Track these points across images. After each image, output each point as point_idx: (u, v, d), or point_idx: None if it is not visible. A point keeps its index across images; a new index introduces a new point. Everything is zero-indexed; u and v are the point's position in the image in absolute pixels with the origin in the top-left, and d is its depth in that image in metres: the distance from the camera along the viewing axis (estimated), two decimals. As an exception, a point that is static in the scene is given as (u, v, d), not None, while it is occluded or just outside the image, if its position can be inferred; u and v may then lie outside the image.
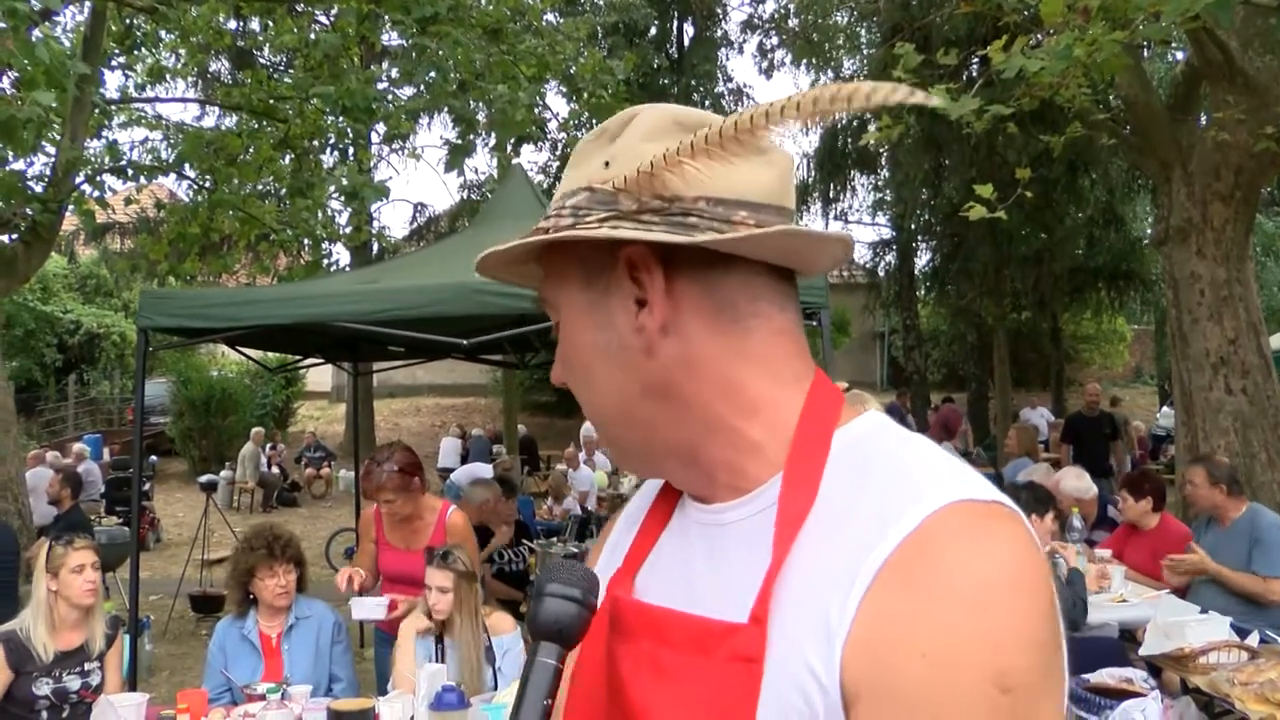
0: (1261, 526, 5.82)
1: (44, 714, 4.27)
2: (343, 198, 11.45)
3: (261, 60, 18.45)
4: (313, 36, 11.06)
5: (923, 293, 27.12)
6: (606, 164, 1.01)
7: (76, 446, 16.44)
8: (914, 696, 0.82)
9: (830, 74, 25.80)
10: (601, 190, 1.00)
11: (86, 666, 4.40)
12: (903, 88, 0.92)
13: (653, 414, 1.02)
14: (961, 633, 0.82)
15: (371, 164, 19.16)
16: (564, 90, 13.33)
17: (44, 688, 4.27)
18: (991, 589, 0.83)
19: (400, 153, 21.05)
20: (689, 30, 27.36)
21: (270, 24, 12.75)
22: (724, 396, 1.00)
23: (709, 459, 1.02)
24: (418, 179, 66.99)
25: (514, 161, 15.47)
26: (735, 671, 0.91)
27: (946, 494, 0.87)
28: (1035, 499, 5.78)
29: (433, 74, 10.90)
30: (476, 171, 25.08)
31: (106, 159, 10.76)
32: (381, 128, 13.96)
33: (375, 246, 19.04)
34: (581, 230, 0.99)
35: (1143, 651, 4.93)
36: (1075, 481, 7.38)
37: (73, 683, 4.34)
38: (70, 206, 9.98)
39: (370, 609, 4.90)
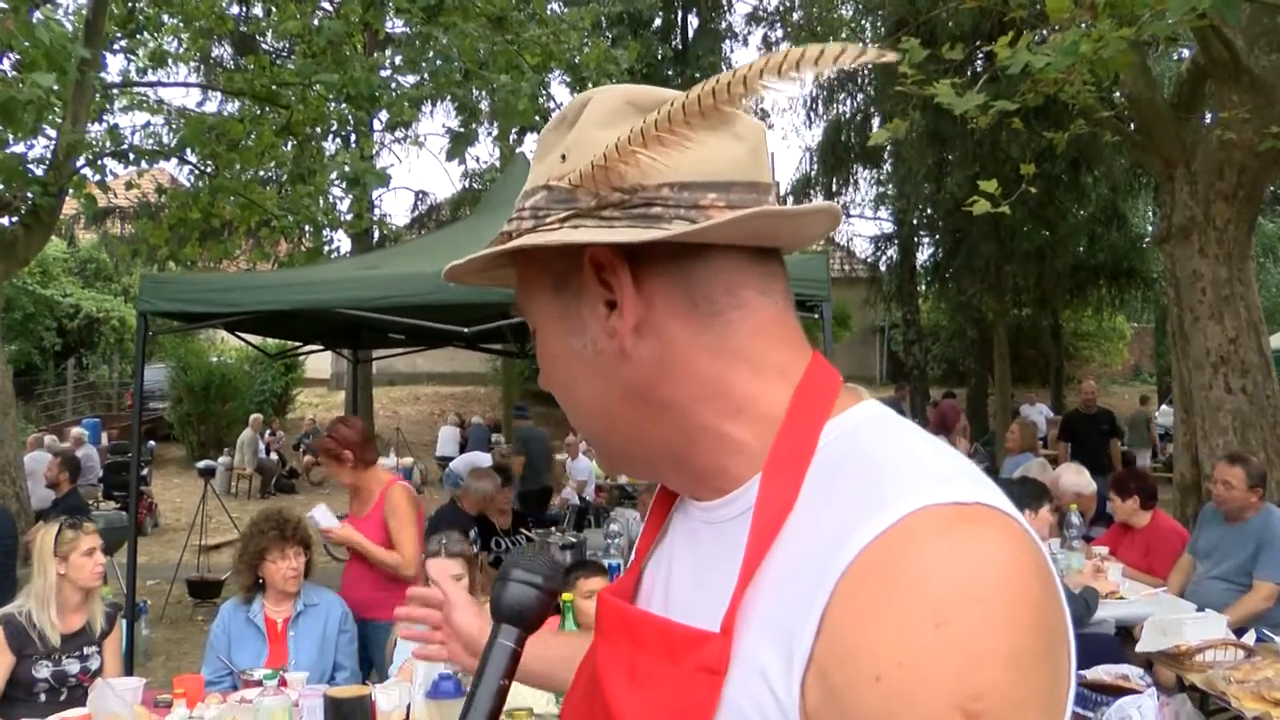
0: (1271, 528, 5.75)
1: (42, 697, 4.27)
2: (344, 184, 11.43)
3: (264, 46, 18.40)
4: (316, 23, 11.03)
5: (924, 287, 27.12)
6: (563, 157, 0.95)
7: (75, 431, 16.45)
8: None
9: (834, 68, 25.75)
10: (558, 188, 0.95)
11: (86, 650, 4.41)
12: (871, 49, 0.86)
13: (635, 419, 0.96)
14: (919, 652, 0.73)
15: (374, 151, 19.15)
16: (568, 80, 13.30)
17: (43, 670, 4.28)
18: (955, 600, 0.74)
19: (403, 141, 21.04)
20: (693, 21, 27.35)
21: (274, 9, 12.72)
22: (706, 397, 0.94)
23: (695, 461, 0.96)
24: (419, 167, 67.00)
25: (517, 151, 15.45)
26: (698, 682, 0.86)
27: (919, 497, 0.79)
28: (1029, 494, 5.79)
29: (438, 63, 10.89)
30: (479, 160, 25.06)
31: (108, 143, 10.75)
32: (384, 115, 13.95)
33: (376, 234, 19.02)
34: (540, 235, 0.93)
35: (1139, 648, 4.93)
36: (1074, 477, 7.38)
37: (72, 666, 4.35)
38: (71, 190, 9.97)
39: (325, 517, 5.33)
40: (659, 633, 0.93)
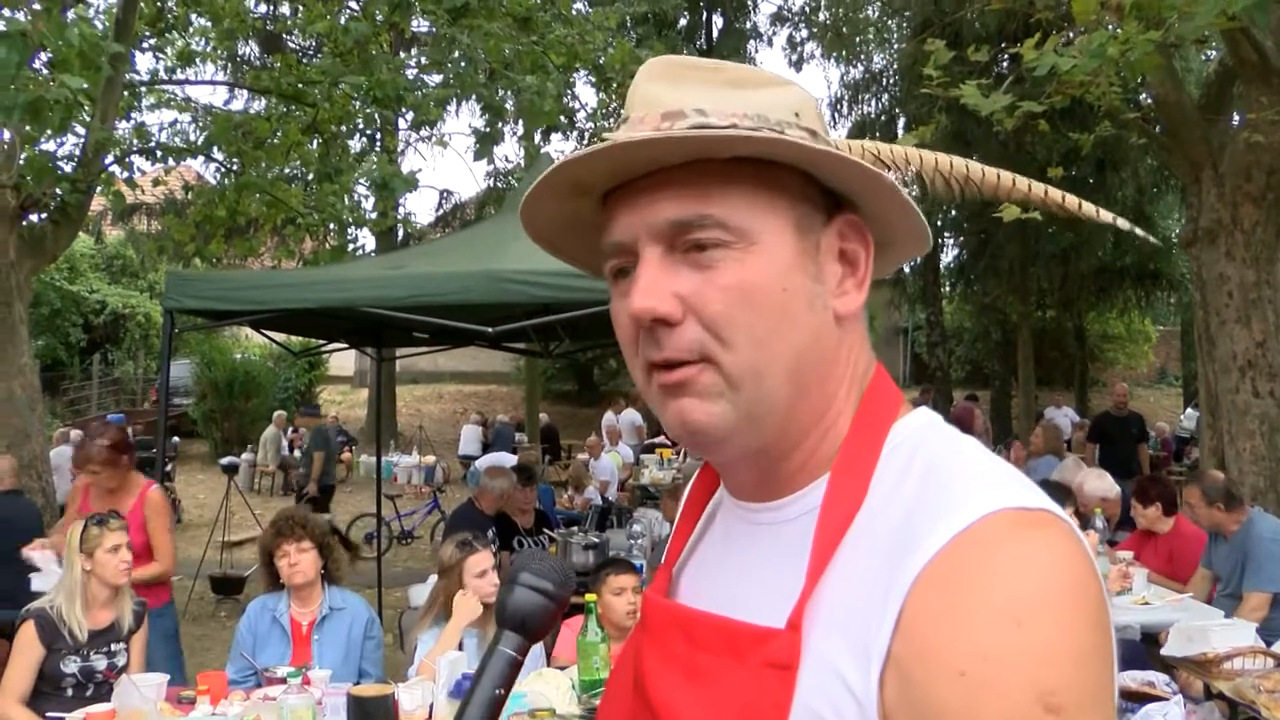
0: (1253, 538, 5.82)
1: (69, 692, 4.30)
2: (372, 189, 11.47)
3: (291, 45, 18.49)
4: (343, 22, 11.06)
5: (948, 289, 27.04)
6: (798, 115, 0.96)
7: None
8: (955, 717, 0.78)
9: (860, 68, 25.71)
10: (823, 139, 0.96)
11: (114, 647, 4.44)
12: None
13: (810, 382, 0.95)
14: (1002, 649, 0.77)
15: (399, 150, 19.20)
16: (593, 80, 13.31)
17: (71, 665, 4.31)
18: (1032, 601, 0.79)
19: (428, 140, 21.10)
20: (718, 22, 27.32)
21: (300, 8, 12.78)
22: (849, 386, 0.99)
23: (808, 446, 0.97)
24: (444, 165, 67.01)
25: (542, 150, 15.46)
26: (768, 678, 0.88)
27: (987, 503, 0.83)
28: (1053, 497, 5.76)
29: (463, 64, 10.91)
30: (506, 159, 25.12)
31: (135, 140, 10.81)
32: (409, 114, 13.97)
33: (401, 232, 19.09)
34: (880, 175, 0.95)
35: (1165, 651, 4.92)
36: (1097, 483, 7.37)
37: (99, 662, 4.38)
38: (99, 187, 10.03)
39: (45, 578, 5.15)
40: (719, 630, 0.94)
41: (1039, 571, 0.80)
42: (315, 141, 12.19)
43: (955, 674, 0.78)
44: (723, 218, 0.91)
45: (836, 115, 26.62)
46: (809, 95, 0.99)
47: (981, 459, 0.91)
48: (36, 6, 6.66)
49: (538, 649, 4.70)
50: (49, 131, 8.20)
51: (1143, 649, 5.33)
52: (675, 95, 0.94)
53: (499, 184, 24.96)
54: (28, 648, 4.29)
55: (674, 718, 0.93)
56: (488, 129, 13.06)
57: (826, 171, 0.95)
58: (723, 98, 0.94)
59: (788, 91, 0.97)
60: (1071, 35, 7.69)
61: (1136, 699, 4.29)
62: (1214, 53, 12.49)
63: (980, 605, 0.79)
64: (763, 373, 0.92)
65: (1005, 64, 14.16)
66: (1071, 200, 1.03)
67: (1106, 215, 1.04)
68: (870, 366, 1.02)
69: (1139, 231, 1.08)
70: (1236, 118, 9.62)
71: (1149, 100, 9.92)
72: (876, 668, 0.82)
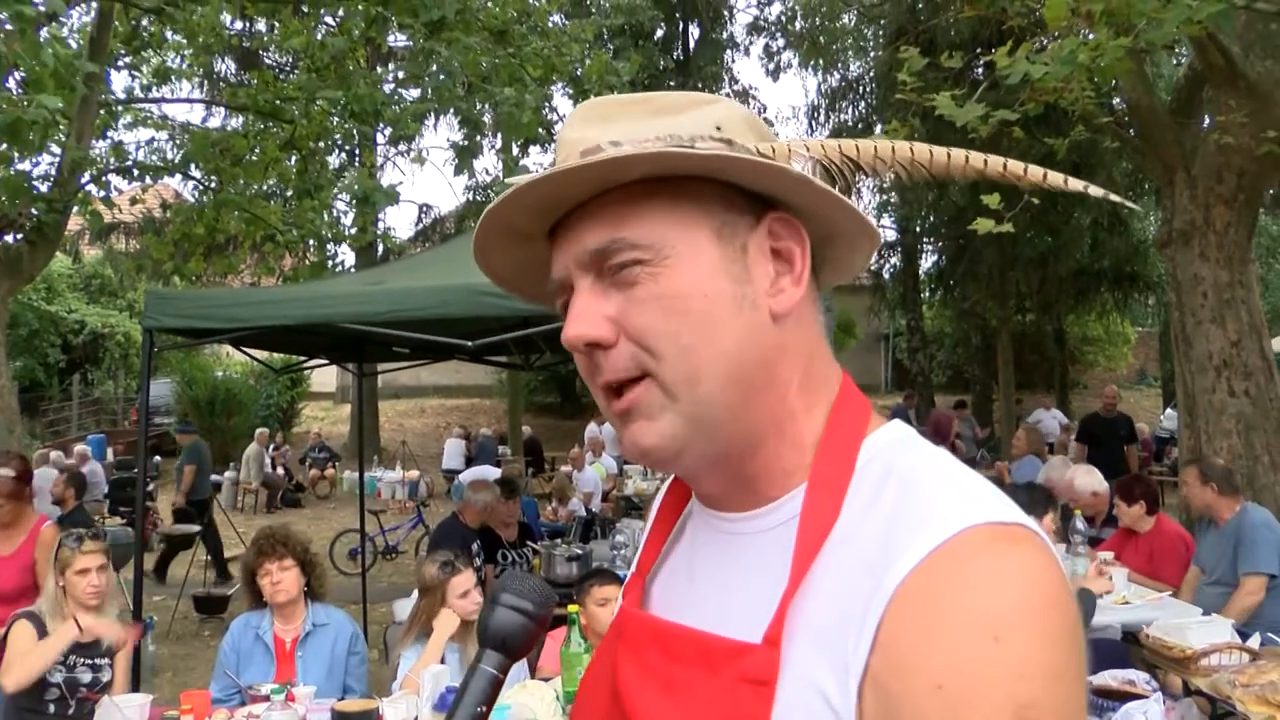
0: (1246, 525, 5.93)
1: (51, 708, 4.29)
2: (352, 202, 11.47)
3: (267, 61, 18.48)
4: (319, 38, 11.07)
5: (927, 295, 27.14)
6: (719, 128, 0.96)
7: (79, 448, 16.48)
8: None
9: (836, 76, 25.81)
10: (744, 146, 0.95)
11: (98, 661, 4.42)
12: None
13: (750, 386, 0.95)
14: (979, 663, 0.78)
15: (377, 165, 19.18)
16: (570, 92, 13.34)
17: (56, 675, 4.30)
18: (1009, 616, 0.79)
19: (406, 155, 21.08)
20: (695, 32, 27.42)
21: (277, 25, 12.78)
22: (801, 388, 0.98)
23: (767, 453, 0.98)
24: (423, 180, 67.01)
25: (520, 163, 15.46)
26: (744, 693, 0.88)
27: (963, 518, 0.84)
28: (1035, 500, 5.82)
29: (440, 77, 10.92)
30: (486, 172, 25.11)
31: (112, 159, 10.78)
32: (387, 129, 13.98)
33: (380, 247, 19.06)
34: (785, 167, 0.94)
35: (1148, 631, 4.97)
36: (1087, 478, 7.41)
37: (84, 675, 4.36)
38: (76, 206, 10.01)
39: None
40: (694, 644, 0.95)
41: (1015, 586, 0.81)
42: (293, 158, 12.17)
43: (933, 688, 0.78)
44: (635, 238, 0.94)
45: (814, 123, 26.73)
46: (740, 111, 1.00)
47: (956, 473, 0.91)
48: (9, 27, 6.65)
49: (521, 661, 4.71)
50: (25, 152, 8.17)
51: (1123, 648, 5.36)
52: (597, 133, 0.96)
53: (478, 198, 24.95)
54: (24, 636, 4.29)
55: None
56: (466, 143, 13.06)
57: (737, 175, 0.96)
58: (643, 126, 0.96)
59: (714, 109, 0.99)
60: (1044, 41, 7.76)
61: (1117, 697, 4.32)
62: (1184, 57, 12.59)
63: (957, 620, 0.80)
64: (697, 377, 0.93)
65: (979, 70, 14.27)
66: (1035, 171, 1.02)
67: (1076, 184, 1.02)
68: (835, 375, 1.02)
69: (1114, 197, 1.07)
70: (1207, 120, 9.71)
71: (1122, 105, 10.00)
72: (855, 682, 0.83)
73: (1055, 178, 1.01)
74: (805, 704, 0.85)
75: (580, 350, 0.97)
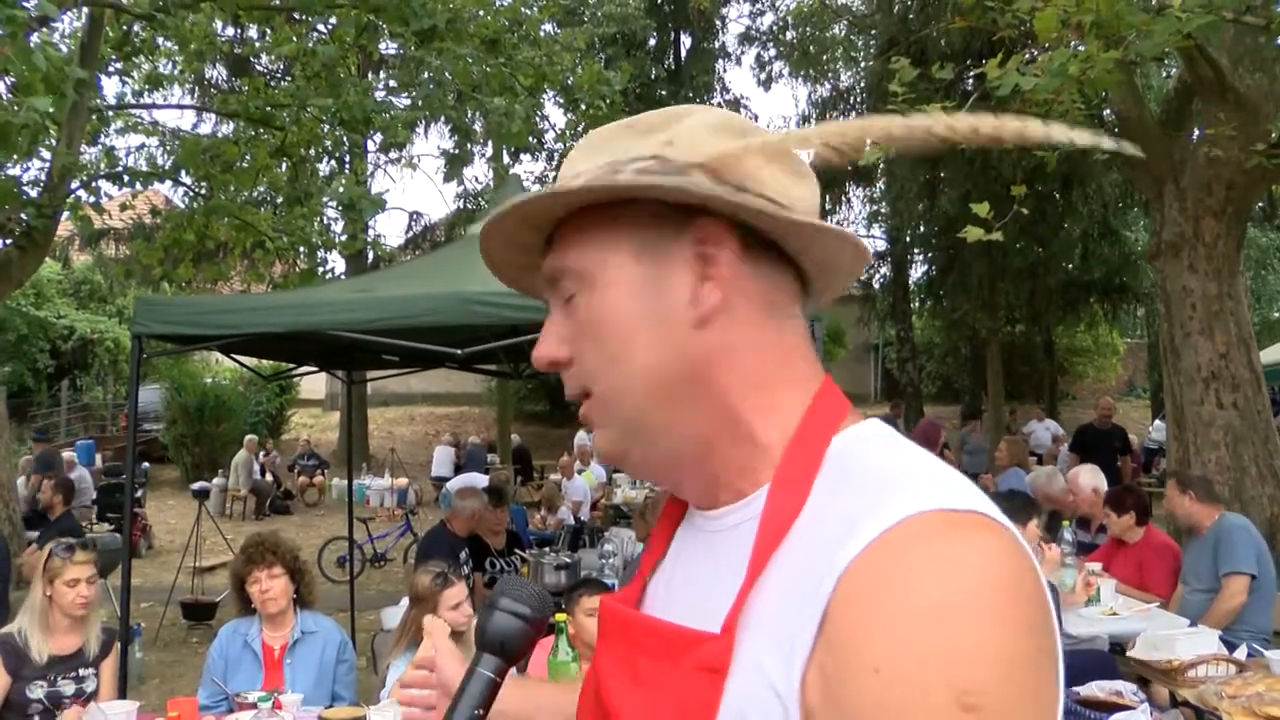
0: (1224, 529, 6.02)
1: (35, 719, 4.27)
2: (340, 209, 11.47)
3: (258, 68, 18.46)
4: (311, 45, 11.07)
5: (917, 305, 27.18)
6: (669, 144, 0.99)
7: (65, 455, 16.41)
8: (869, 716, 0.78)
9: (827, 86, 25.87)
10: (674, 161, 0.98)
11: (81, 672, 4.40)
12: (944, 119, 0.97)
13: (682, 396, 0.98)
14: (918, 646, 0.77)
15: (368, 173, 19.16)
16: (561, 101, 13.35)
17: (37, 691, 4.27)
18: (952, 600, 0.78)
19: (397, 163, 21.08)
20: (686, 42, 27.45)
21: (268, 32, 12.77)
22: (750, 390, 0.98)
23: (720, 455, 0.99)
24: (414, 187, 67.00)
25: (511, 171, 15.47)
26: (700, 681, 0.90)
27: (916, 502, 0.83)
28: (1016, 507, 5.84)
29: (431, 86, 10.92)
30: (477, 180, 25.13)
31: (103, 165, 10.77)
32: (378, 136, 13.97)
33: (371, 255, 19.06)
34: (679, 182, 0.95)
35: (1132, 652, 4.98)
36: (1089, 477, 7.42)
37: (67, 688, 4.34)
38: (66, 212, 9.99)
39: None
40: (658, 634, 0.97)
41: (963, 570, 0.79)
42: (284, 165, 12.17)
43: (870, 671, 0.78)
44: (571, 265, 1.02)
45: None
46: (710, 119, 1.03)
47: (920, 463, 0.91)
48: (0, 31, 6.64)
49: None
50: (14, 156, 8.16)
51: (1111, 659, 5.37)
52: (582, 162, 1.03)
53: (468, 205, 24.94)
54: None
55: (621, 718, 0.96)
56: (457, 150, 13.07)
57: (655, 194, 0.98)
58: (600, 155, 1.02)
59: (682, 123, 1.02)
60: (1035, 53, 7.79)
61: (1104, 708, 4.32)
62: (1174, 70, 12.66)
63: (899, 602, 0.79)
64: (622, 392, 1.00)
65: (970, 82, 14.32)
66: (987, 124, 0.97)
67: (1060, 133, 0.96)
68: (811, 375, 1.02)
69: (1106, 143, 1.05)
70: (1196, 133, 9.75)
71: (1112, 116, 10.03)
72: (799, 665, 0.83)
73: (1035, 130, 0.97)
74: (751, 689, 0.86)
75: (542, 369, 1.06)
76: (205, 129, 17.01)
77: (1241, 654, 4.84)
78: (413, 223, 27.26)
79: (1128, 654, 5.05)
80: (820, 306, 1.13)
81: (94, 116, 10.79)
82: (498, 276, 1.14)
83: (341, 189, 11.02)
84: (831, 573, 0.83)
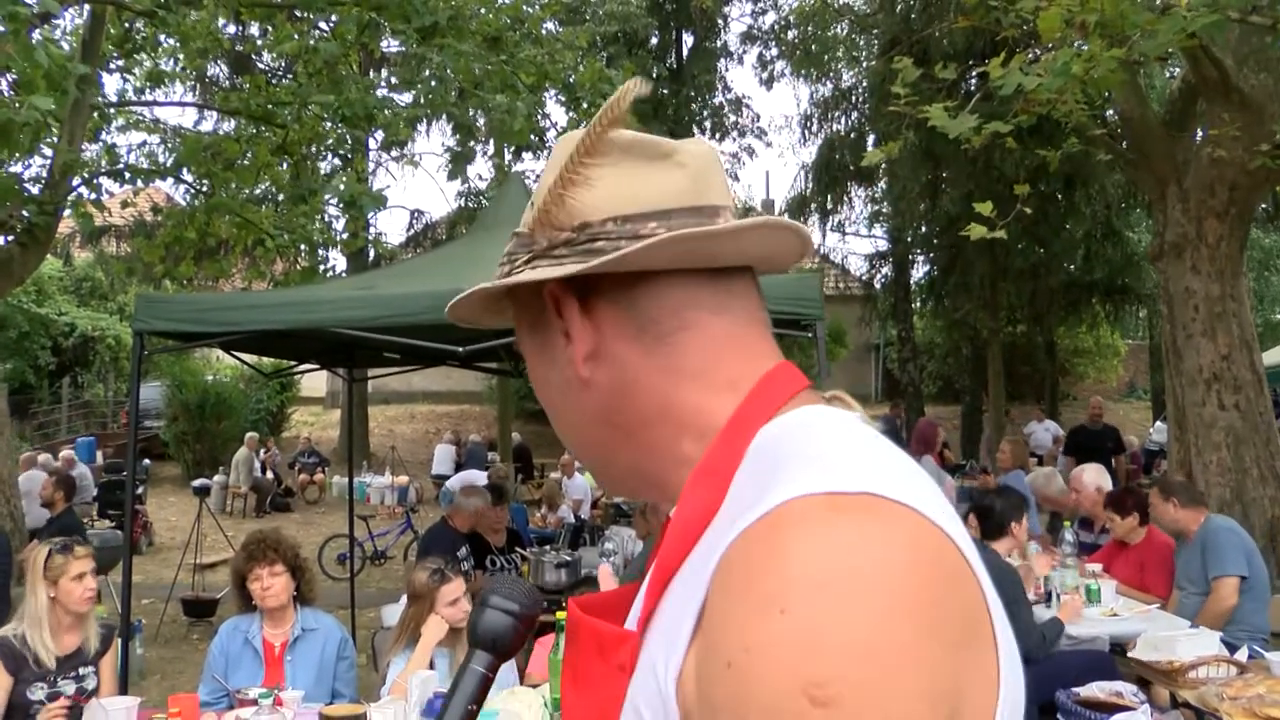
0: (1210, 532, 6.04)
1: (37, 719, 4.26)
2: (341, 207, 11.46)
3: (260, 65, 18.46)
4: (312, 43, 11.06)
5: (918, 305, 27.15)
6: (531, 204, 1.03)
7: (64, 453, 16.42)
8: (723, 711, 0.74)
9: (829, 86, 25.86)
10: (522, 233, 1.03)
11: (82, 671, 4.40)
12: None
13: (605, 441, 1.03)
14: (762, 637, 0.72)
15: (369, 170, 19.15)
16: (563, 99, 13.34)
17: (38, 693, 4.26)
18: (801, 586, 0.72)
19: (398, 160, 21.08)
20: (688, 40, 27.40)
21: (270, 29, 12.77)
22: (659, 418, 0.98)
23: (656, 478, 1.01)
24: (415, 186, 67.00)
25: (512, 170, 15.46)
26: (614, 678, 0.90)
27: (802, 487, 0.77)
28: (1010, 505, 5.85)
29: (433, 83, 10.92)
30: (480, 177, 25.09)
31: (104, 162, 10.76)
32: (379, 134, 13.96)
33: (372, 253, 19.06)
34: (495, 280, 1.03)
35: (1132, 654, 4.97)
36: (1094, 478, 7.42)
37: (68, 687, 4.34)
38: (67, 209, 9.98)
39: None
40: (592, 634, 0.97)
41: (823, 554, 0.73)
42: (285, 163, 12.16)
43: (724, 666, 0.74)
44: (518, 340, 1.10)
45: (806, 133, 26.77)
46: (554, 158, 1.03)
47: (829, 446, 0.85)
48: (2, 29, 6.64)
49: (510, 666, 4.71)
50: (16, 154, 8.15)
51: (1111, 659, 5.37)
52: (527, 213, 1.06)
53: (470, 204, 24.92)
54: None
55: (564, 717, 0.99)
56: (459, 148, 13.06)
57: (491, 291, 1.06)
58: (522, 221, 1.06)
59: (545, 172, 1.04)
60: (1038, 53, 7.78)
61: (1105, 709, 4.32)
62: (1177, 70, 12.65)
63: (751, 593, 0.74)
64: (572, 446, 1.09)
65: (973, 82, 14.32)
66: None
67: None
68: (753, 372, 0.98)
69: None
70: (1200, 134, 9.74)
71: (1115, 117, 10.02)
72: (676, 662, 0.81)
73: None
74: (644, 685, 0.85)
75: None
76: (206, 126, 17.00)
77: (1242, 655, 4.84)
78: (414, 221, 27.24)
79: (1128, 655, 5.04)
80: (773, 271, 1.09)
81: (95, 114, 10.78)
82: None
83: (342, 186, 11.00)
84: (710, 566, 0.80)
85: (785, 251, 1.04)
